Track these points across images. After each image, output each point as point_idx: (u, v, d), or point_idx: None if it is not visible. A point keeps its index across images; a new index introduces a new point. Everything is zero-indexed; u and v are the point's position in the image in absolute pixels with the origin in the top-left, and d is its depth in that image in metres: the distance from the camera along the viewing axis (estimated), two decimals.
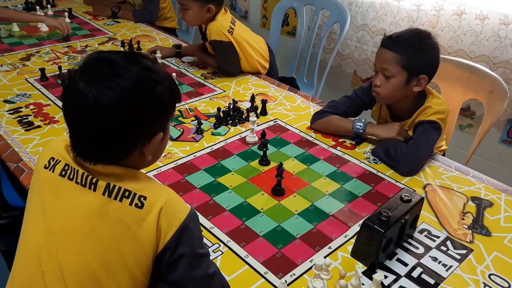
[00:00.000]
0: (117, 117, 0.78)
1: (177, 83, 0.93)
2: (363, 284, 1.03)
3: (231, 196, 1.31)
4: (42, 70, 1.95)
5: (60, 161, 0.87)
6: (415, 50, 1.44)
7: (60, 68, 1.99)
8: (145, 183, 0.86)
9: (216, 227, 1.19)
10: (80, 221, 0.82)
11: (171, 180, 1.37)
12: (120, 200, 0.82)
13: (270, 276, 1.05)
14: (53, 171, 0.86)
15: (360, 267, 1.09)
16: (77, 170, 0.84)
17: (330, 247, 1.15)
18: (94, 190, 0.82)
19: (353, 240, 1.15)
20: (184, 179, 1.38)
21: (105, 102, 0.77)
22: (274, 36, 2.79)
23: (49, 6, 2.85)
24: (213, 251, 1.12)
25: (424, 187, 1.39)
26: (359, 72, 2.91)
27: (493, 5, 2.21)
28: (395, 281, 1.06)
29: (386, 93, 1.49)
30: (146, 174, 0.96)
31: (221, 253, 1.12)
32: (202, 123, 1.66)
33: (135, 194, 0.82)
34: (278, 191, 1.33)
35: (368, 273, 1.06)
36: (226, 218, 1.23)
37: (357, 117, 1.62)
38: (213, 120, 1.70)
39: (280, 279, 1.05)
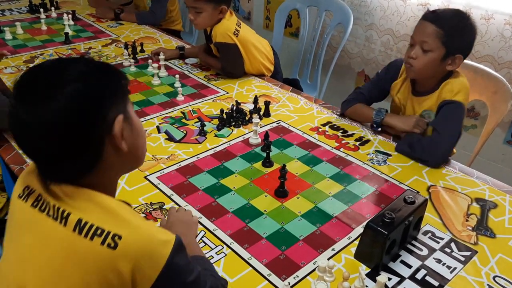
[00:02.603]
0: (63, 128, 0.72)
1: (113, 66, 0.85)
2: (366, 286, 1.02)
3: (234, 198, 1.31)
4: None
5: (34, 190, 0.81)
6: (457, 29, 1.46)
7: None
8: (121, 218, 0.77)
9: (219, 229, 1.19)
10: (50, 259, 0.76)
11: (174, 182, 1.37)
12: (91, 239, 0.73)
13: (274, 278, 1.05)
14: (26, 201, 0.80)
15: (364, 269, 1.09)
16: (49, 202, 0.78)
17: (333, 249, 1.14)
18: (65, 224, 0.75)
19: (356, 242, 1.14)
20: (188, 181, 1.38)
21: (46, 119, 0.72)
22: (277, 37, 2.79)
23: (53, 8, 2.86)
24: (216, 253, 1.12)
25: (428, 189, 1.38)
26: (367, 71, 2.91)
27: (498, 5, 2.20)
28: (399, 283, 1.05)
29: (420, 66, 1.49)
30: (131, 206, 0.86)
31: (224, 255, 1.11)
32: (205, 125, 1.66)
33: (108, 233, 0.74)
34: (281, 193, 1.33)
35: (372, 275, 1.06)
36: (229, 219, 1.23)
37: (378, 108, 1.67)
38: (216, 121, 1.70)
39: (283, 281, 1.04)
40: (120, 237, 0.73)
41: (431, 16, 1.47)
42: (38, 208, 0.78)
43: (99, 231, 0.74)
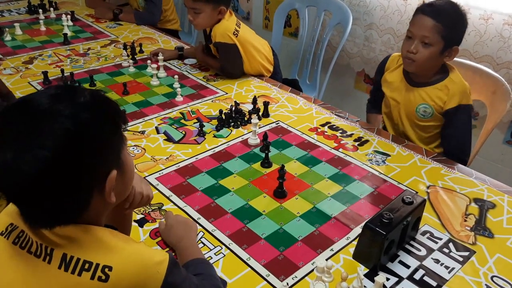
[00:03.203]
0: (48, 180, 0.66)
1: (116, 104, 0.78)
2: (365, 286, 1.02)
3: (233, 199, 1.31)
4: (45, 73, 1.96)
5: (17, 227, 0.76)
6: (454, 22, 1.50)
7: (62, 71, 2.00)
8: (109, 247, 0.73)
9: (218, 230, 1.19)
10: None
11: (173, 182, 1.37)
12: (79, 274, 0.69)
13: (272, 279, 1.05)
14: (7, 238, 0.75)
15: (362, 269, 1.09)
16: (31, 239, 0.73)
17: (332, 250, 1.14)
18: (49, 262, 0.71)
19: (355, 242, 1.14)
20: (186, 182, 1.38)
21: (26, 169, 0.65)
22: (276, 37, 2.79)
23: (51, 9, 2.86)
24: (215, 253, 1.12)
25: (427, 189, 1.38)
26: (367, 70, 2.91)
27: (497, 5, 2.20)
28: (397, 283, 1.06)
29: (421, 61, 1.52)
30: (116, 229, 0.81)
31: (223, 255, 1.12)
32: (204, 126, 1.66)
33: (97, 265, 0.70)
34: (280, 193, 1.33)
35: (370, 276, 1.06)
36: (228, 220, 1.23)
37: None
38: (215, 122, 1.70)
39: (282, 281, 1.05)
40: (110, 268, 0.70)
41: (430, 10, 1.50)
42: (19, 246, 0.74)
43: (86, 265, 0.70)
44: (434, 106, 1.60)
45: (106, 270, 0.70)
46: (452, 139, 1.61)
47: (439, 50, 1.51)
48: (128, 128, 1.63)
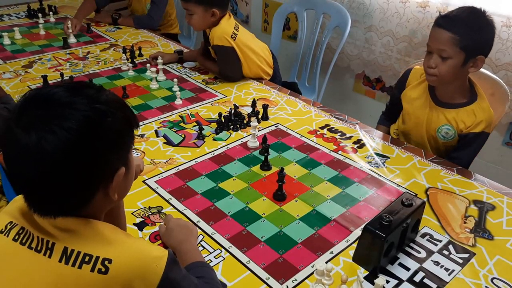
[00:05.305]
0: (66, 164, 0.69)
1: (130, 107, 0.84)
2: None
3: (233, 202, 1.31)
4: (45, 77, 1.96)
5: (16, 224, 0.78)
6: (473, 31, 1.42)
7: (62, 75, 2.00)
8: (108, 240, 0.75)
9: (218, 233, 1.19)
10: None
11: (172, 186, 1.37)
12: (80, 267, 0.71)
13: (272, 282, 1.05)
14: (7, 236, 0.77)
15: (362, 272, 1.09)
16: (32, 234, 0.75)
17: (331, 252, 1.14)
18: (50, 256, 0.72)
19: (355, 245, 1.14)
20: (186, 185, 1.38)
21: (49, 150, 0.68)
22: (275, 40, 2.80)
23: (51, 13, 2.86)
24: (214, 257, 1.12)
25: (426, 191, 1.38)
26: (367, 72, 2.92)
27: (496, 8, 2.21)
28: (397, 285, 1.06)
29: (442, 75, 1.47)
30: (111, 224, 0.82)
31: (223, 258, 1.12)
32: (204, 129, 1.67)
33: (97, 258, 0.72)
34: (279, 196, 1.33)
35: (370, 278, 1.06)
36: (228, 223, 1.23)
37: None
38: (214, 125, 1.71)
39: (281, 284, 1.05)
40: (110, 261, 0.72)
41: (444, 22, 1.44)
42: (19, 242, 0.75)
43: (87, 258, 0.72)
44: (457, 128, 1.56)
45: (106, 262, 0.71)
46: (461, 161, 1.55)
47: (460, 62, 1.44)
48: None
